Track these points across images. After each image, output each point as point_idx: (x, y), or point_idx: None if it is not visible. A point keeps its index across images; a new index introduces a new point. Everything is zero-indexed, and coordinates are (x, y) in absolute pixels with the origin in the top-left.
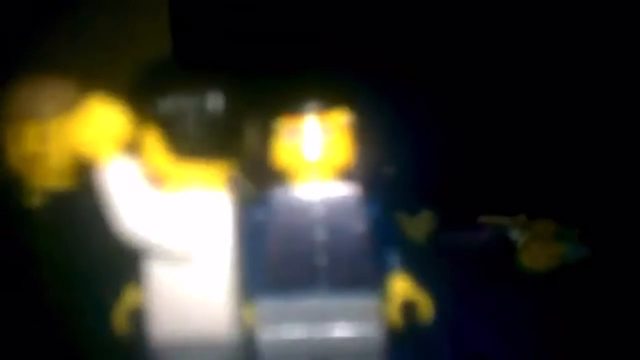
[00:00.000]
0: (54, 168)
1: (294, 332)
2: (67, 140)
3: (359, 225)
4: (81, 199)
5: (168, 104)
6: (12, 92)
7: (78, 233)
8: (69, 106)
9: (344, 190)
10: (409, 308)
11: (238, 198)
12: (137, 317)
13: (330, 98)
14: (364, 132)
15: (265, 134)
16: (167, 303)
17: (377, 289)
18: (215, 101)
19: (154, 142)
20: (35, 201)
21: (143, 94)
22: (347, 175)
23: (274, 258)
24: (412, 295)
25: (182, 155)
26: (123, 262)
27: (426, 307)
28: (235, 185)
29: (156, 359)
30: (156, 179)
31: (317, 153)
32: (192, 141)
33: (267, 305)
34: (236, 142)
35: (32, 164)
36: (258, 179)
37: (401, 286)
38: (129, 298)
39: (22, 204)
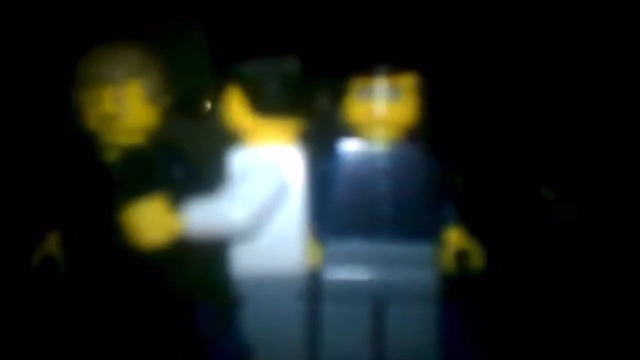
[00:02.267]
0: (127, 126)
1: (356, 273)
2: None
3: (420, 179)
4: (152, 155)
5: (250, 67)
6: (88, 59)
7: (149, 185)
8: (139, 70)
9: (408, 147)
10: (462, 256)
11: (315, 145)
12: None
13: (400, 61)
14: (430, 94)
15: (338, 93)
16: (248, 241)
17: (434, 238)
18: (291, 64)
19: (237, 100)
20: (111, 156)
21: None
22: (412, 132)
23: (341, 205)
24: (466, 245)
25: (262, 113)
26: None
27: (477, 256)
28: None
29: (238, 289)
30: (239, 134)
31: (385, 111)
32: (271, 100)
33: (333, 248)
34: (311, 100)
35: (108, 123)
36: (330, 133)
37: (456, 236)
38: None
39: (99, 158)
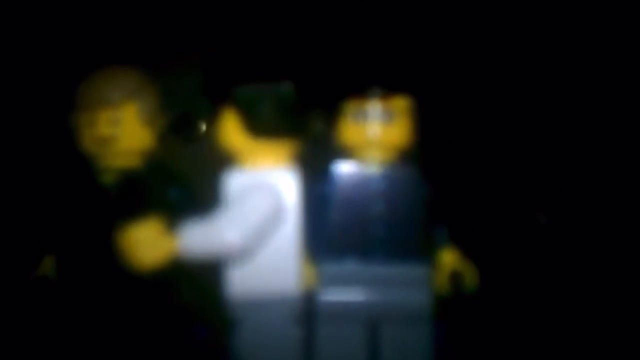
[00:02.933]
0: (123, 149)
1: (350, 294)
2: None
3: (413, 200)
4: (147, 177)
5: (245, 90)
6: (85, 83)
7: (145, 207)
8: (135, 93)
9: (402, 169)
10: (456, 277)
11: (309, 168)
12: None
13: (393, 84)
14: (423, 116)
15: (332, 116)
16: (243, 263)
17: (427, 259)
18: (286, 88)
19: (233, 123)
20: (107, 179)
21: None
22: (405, 155)
23: (335, 226)
24: (460, 266)
25: (257, 135)
26: None
27: (471, 277)
28: (307, 157)
29: (233, 311)
30: (234, 156)
31: (379, 134)
32: (266, 123)
33: (327, 269)
34: (305, 123)
35: (104, 145)
36: (324, 155)
37: (450, 258)
38: None
39: (96, 181)
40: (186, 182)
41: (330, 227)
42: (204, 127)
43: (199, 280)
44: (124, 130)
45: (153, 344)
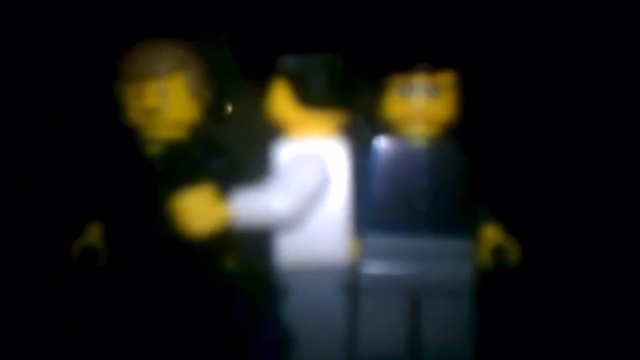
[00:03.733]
0: (170, 120)
1: (393, 267)
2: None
3: (457, 175)
4: (193, 148)
5: (296, 62)
6: (132, 54)
7: (191, 178)
8: (182, 65)
9: (446, 144)
10: (498, 252)
11: (355, 140)
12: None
13: (440, 59)
14: (469, 92)
15: (379, 89)
16: (291, 233)
17: (470, 233)
18: (335, 60)
19: (284, 94)
20: (153, 150)
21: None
22: (449, 129)
23: (379, 200)
24: (503, 240)
25: (307, 106)
26: None
27: (514, 252)
28: (354, 130)
29: (280, 280)
30: (283, 127)
31: (425, 108)
32: (316, 94)
33: (371, 242)
34: (353, 95)
35: (151, 116)
36: (370, 128)
37: (493, 232)
38: None
39: (141, 152)
40: (230, 152)
41: (374, 200)
42: (229, 109)
43: (247, 249)
44: (171, 102)
45: (199, 315)
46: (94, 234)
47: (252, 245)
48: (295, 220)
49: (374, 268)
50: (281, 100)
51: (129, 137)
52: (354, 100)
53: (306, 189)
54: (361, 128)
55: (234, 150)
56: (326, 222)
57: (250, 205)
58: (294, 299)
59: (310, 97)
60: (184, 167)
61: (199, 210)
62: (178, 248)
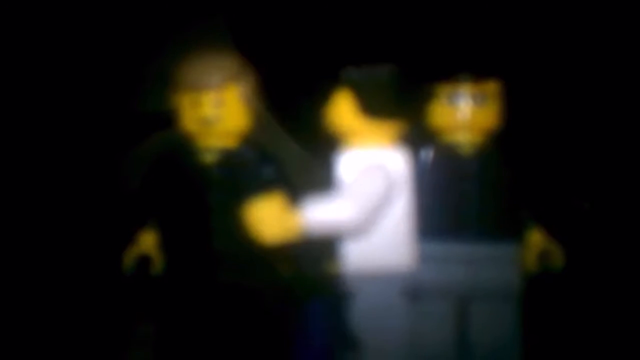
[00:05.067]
0: (226, 130)
1: (442, 273)
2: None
3: (503, 181)
4: (246, 157)
5: (355, 72)
6: (187, 64)
7: (244, 187)
8: (237, 76)
9: (491, 151)
10: (544, 257)
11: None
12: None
13: (485, 69)
14: (514, 100)
15: (428, 98)
16: (358, 240)
17: (517, 239)
18: (392, 70)
19: (346, 103)
20: (207, 159)
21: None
22: (495, 137)
23: (428, 206)
24: (547, 245)
25: (370, 116)
26: None
27: (559, 257)
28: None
29: (347, 285)
30: (345, 136)
31: (471, 116)
32: (378, 104)
33: (420, 247)
34: (408, 104)
35: (207, 126)
36: (419, 136)
37: (538, 237)
38: None
39: (195, 161)
40: (280, 161)
41: (423, 206)
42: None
43: (316, 256)
44: (227, 112)
45: (250, 324)
46: (148, 242)
47: (307, 253)
48: (364, 229)
49: (424, 273)
50: (345, 110)
51: (183, 145)
52: (411, 110)
53: (374, 198)
54: (412, 136)
55: (284, 158)
56: (391, 229)
57: (321, 215)
58: (358, 304)
59: (373, 106)
60: (240, 174)
61: (272, 219)
62: (231, 257)
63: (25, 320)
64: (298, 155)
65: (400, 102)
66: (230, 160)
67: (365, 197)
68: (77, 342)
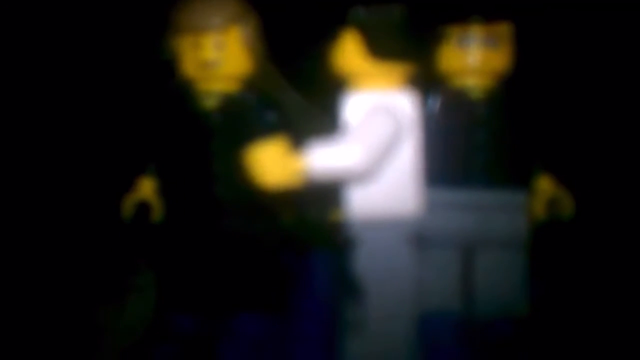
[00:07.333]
0: (227, 73)
1: (448, 219)
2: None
3: (513, 127)
4: (247, 101)
5: (366, 12)
6: (187, 6)
7: (246, 133)
8: (239, 18)
9: (501, 95)
10: (553, 204)
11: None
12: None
13: (496, 11)
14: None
15: (437, 40)
16: (363, 185)
17: (525, 186)
18: (401, 11)
19: (353, 45)
20: (208, 104)
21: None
22: (504, 82)
23: (437, 151)
24: (557, 192)
25: (378, 57)
26: None
27: (568, 204)
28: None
29: (349, 231)
30: (352, 79)
31: (481, 59)
32: (386, 45)
33: (427, 194)
34: (418, 46)
35: (208, 69)
36: (427, 79)
37: (547, 185)
38: None
39: (196, 106)
40: (282, 106)
41: (432, 151)
42: None
43: (319, 203)
44: (227, 55)
45: (250, 268)
46: (147, 189)
47: (311, 200)
48: (369, 173)
49: (429, 220)
50: (352, 52)
51: (183, 90)
52: (420, 52)
53: (380, 141)
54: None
55: (287, 102)
56: (397, 174)
57: (325, 159)
58: (362, 252)
59: (381, 48)
60: (241, 120)
61: (274, 163)
62: (232, 202)
63: (26, 269)
64: (299, 103)
65: (409, 44)
66: (231, 106)
67: (372, 141)
68: (77, 290)
